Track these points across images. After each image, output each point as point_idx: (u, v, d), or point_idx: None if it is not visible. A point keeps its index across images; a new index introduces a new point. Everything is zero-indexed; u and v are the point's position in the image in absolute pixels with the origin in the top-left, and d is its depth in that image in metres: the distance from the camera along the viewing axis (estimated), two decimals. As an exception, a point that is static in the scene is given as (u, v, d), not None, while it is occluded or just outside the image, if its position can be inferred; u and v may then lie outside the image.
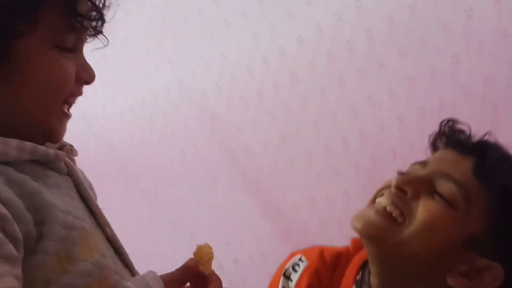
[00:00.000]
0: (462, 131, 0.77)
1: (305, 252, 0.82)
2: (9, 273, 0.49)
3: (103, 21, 0.60)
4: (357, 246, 0.81)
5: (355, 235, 0.73)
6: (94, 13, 0.59)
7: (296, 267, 0.80)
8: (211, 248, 0.62)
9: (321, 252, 0.81)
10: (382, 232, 0.70)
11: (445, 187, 0.70)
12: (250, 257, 1.62)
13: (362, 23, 1.26)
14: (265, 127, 1.50)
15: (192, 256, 0.62)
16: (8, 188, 0.53)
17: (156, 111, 1.65)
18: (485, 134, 0.76)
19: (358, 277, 0.75)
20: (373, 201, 0.74)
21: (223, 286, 0.62)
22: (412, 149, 1.25)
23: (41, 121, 0.60)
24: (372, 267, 0.74)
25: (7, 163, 0.55)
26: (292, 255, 0.84)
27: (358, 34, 1.27)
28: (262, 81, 1.47)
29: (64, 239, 0.55)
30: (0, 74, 0.55)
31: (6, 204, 0.52)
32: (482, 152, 0.72)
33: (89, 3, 0.59)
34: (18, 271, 0.51)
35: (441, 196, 0.70)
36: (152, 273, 0.60)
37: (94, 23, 0.60)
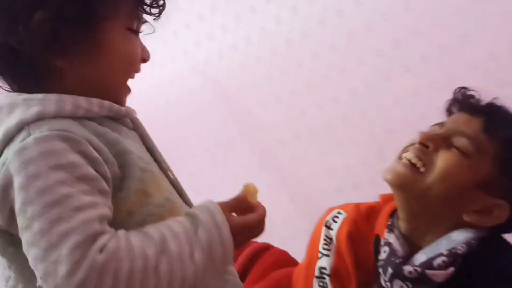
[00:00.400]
0: (472, 96, 0.92)
1: (342, 207, 0.98)
2: (104, 203, 0.61)
3: (163, 9, 0.74)
4: (385, 200, 0.96)
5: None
6: (156, 3, 0.72)
7: (336, 219, 0.95)
8: (254, 185, 0.75)
9: (357, 205, 0.96)
10: (409, 180, 0.85)
11: (460, 141, 0.85)
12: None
13: (379, 4, 1.39)
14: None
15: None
16: (97, 139, 0.65)
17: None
18: (493, 98, 0.90)
19: (389, 223, 0.91)
20: (400, 157, 0.89)
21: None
22: (424, 120, 1.39)
23: (115, 89, 0.73)
24: (400, 213, 0.89)
25: (90, 119, 0.67)
26: (330, 210, 0.99)
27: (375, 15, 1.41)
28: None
29: (140, 179, 0.67)
30: (89, 49, 0.68)
31: (97, 150, 0.63)
32: (488, 113, 0.87)
33: None
34: (109, 203, 0.63)
35: (457, 148, 0.85)
36: (210, 200, 0.70)
37: (155, 11, 0.73)
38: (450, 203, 0.84)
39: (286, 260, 1.10)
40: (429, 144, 0.86)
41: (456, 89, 0.94)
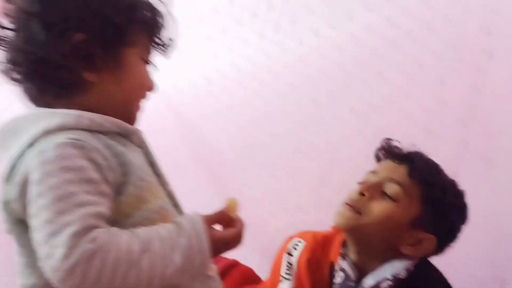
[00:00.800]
0: (396, 146, 1.13)
1: (301, 235, 1.17)
2: (103, 204, 0.72)
3: (170, 47, 0.89)
4: (337, 230, 1.15)
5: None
6: (167, 41, 0.87)
7: (296, 246, 1.14)
8: (236, 200, 0.85)
9: (314, 235, 1.15)
10: (352, 221, 1.04)
11: (391, 187, 1.05)
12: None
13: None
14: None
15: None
16: (106, 150, 0.76)
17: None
18: (413, 147, 1.12)
19: (342, 251, 1.10)
20: (344, 202, 1.07)
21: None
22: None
23: (128, 109, 0.86)
24: (350, 247, 1.09)
25: (103, 133, 0.78)
26: (291, 238, 1.18)
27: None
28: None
29: (138, 186, 0.78)
30: (114, 69, 0.81)
31: (104, 158, 0.75)
32: (411, 160, 1.08)
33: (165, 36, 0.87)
34: (109, 204, 0.74)
35: (389, 196, 1.05)
36: (196, 212, 0.79)
37: (165, 48, 0.88)
38: (388, 240, 1.04)
39: (252, 278, 1.27)
40: (366, 193, 1.06)
41: (382, 140, 1.15)
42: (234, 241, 0.82)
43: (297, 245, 1.14)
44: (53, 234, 0.68)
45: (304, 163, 1.73)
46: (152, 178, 0.83)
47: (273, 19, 1.62)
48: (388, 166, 1.10)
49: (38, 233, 0.70)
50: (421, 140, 1.39)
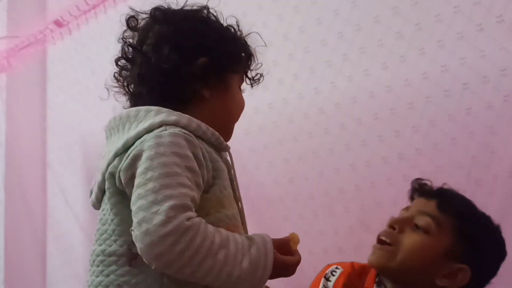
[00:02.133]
0: (425, 184, 1.17)
1: (340, 263, 1.18)
2: (196, 193, 0.82)
3: (259, 82, 1.05)
4: (374, 263, 1.17)
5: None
6: (257, 77, 1.05)
7: (334, 272, 1.16)
8: (298, 236, 0.93)
9: (352, 263, 1.17)
10: (385, 260, 1.06)
11: (422, 220, 1.07)
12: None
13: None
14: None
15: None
16: (205, 152, 0.88)
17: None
18: (443, 184, 1.16)
19: (377, 279, 1.11)
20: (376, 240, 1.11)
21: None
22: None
23: (227, 127, 1.00)
24: (386, 281, 1.10)
25: (203, 140, 0.90)
26: (329, 266, 1.19)
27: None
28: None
29: (221, 191, 0.89)
30: (223, 89, 0.97)
31: (204, 158, 0.87)
32: (440, 195, 1.12)
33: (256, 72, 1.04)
34: (198, 196, 0.84)
35: (420, 227, 1.06)
36: (266, 234, 0.88)
37: (255, 81, 1.05)
38: (422, 272, 1.05)
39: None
40: (396, 226, 1.08)
41: (412, 180, 1.20)
42: (290, 269, 0.90)
43: (335, 271, 1.16)
44: (156, 202, 0.78)
45: (347, 204, 1.75)
46: (230, 190, 0.93)
47: (326, 55, 1.70)
48: (419, 202, 1.12)
49: (141, 200, 0.79)
50: (468, 189, 1.40)
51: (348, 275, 1.13)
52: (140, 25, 0.98)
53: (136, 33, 0.98)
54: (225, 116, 0.98)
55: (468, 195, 1.23)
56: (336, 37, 1.70)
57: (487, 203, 1.38)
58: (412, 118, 1.55)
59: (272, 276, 0.86)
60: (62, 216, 2.56)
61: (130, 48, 0.97)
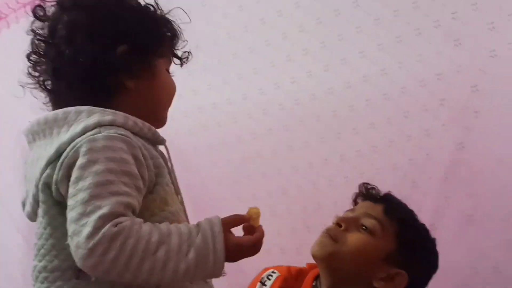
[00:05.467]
0: (373, 188, 1.19)
1: (276, 267, 1.18)
2: (135, 197, 0.78)
3: (187, 61, 0.99)
4: (311, 267, 1.18)
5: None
6: (185, 55, 0.98)
7: (270, 277, 1.15)
8: (258, 209, 0.88)
9: (288, 268, 1.17)
10: (329, 249, 1.06)
11: (368, 222, 1.09)
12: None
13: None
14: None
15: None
16: (144, 150, 0.83)
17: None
18: (387, 192, 1.19)
19: (314, 284, 1.11)
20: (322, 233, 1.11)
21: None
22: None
23: (159, 115, 0.95)
24: (323, 280, 1.10)
25: (140, 137, 0.85)
26: (266, 269, 1.19)
27: None
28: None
29: (165, 189, 0.85)
30: (148, 76, 0.90)
31: (144, 157, 0.82)
32: (387, 200, 1.14)
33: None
34: (140, 198, 0.80)
35: (365, 228, 1.08)
36: (216, 215, 0.82)
37: (183, 60, 0.99)
38: (362, 272, 1.07)
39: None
40: (342, 224, 1.09)
41: (359, 184, 1.22)
42: (250, 248, 0.84)
43: (271, 275, 1.16)
44: (84, 214, 0.74)
45: (290, 205, 1.75)
46: (172, 186, 0.90)
47: (269, 55, 1.69)
48: (365, 205, 1.14)
49: (72, 212, 0.75)
50: (404, 190, 1.43)
51: (285, 279, 1.13)
52: (49, 15, 0.89)
53: (45, 23, 0.89)
54: (155, 105, 0.93)
55: (404, 195, 1.25)
56: (280, 37, 1.69)
57: (422, 203, 1.42)
58: (353, 120, 1.57)
59: (231, 259, 0.81)
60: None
61: (41, 42, 0.88)
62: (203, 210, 1.97)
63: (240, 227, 0.87)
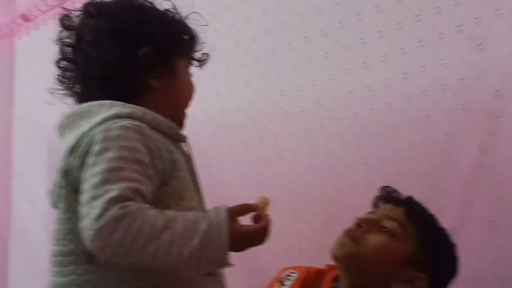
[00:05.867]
0: (394, 191, 1.19)
1: (296, 268, 1.19)
2: (145, 184, 0.81)
3: (205, 63, 1.05)
4: (330, 268, 1.19)
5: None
6: (204, 57, 1.04)
7: (289, 277, 1.16)
8: (267, 198, 0.87)
9: (308, 268, 1.18)
10: (349, 250, 1.07)
11: (389, 223, 1.09)
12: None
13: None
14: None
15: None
16: (161, 143, 0.88)
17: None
18: (409, 195, 1.18)
19: (333, 285, 1.12)
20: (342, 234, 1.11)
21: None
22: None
23: (180, 113, 0.99)
24: (341, 279, 1.11)
25: (159, 132, 0.90)
26: (285, 269, 1.20)
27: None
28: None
29: (181, 184, 0.88)
30: (171, 76, 0.96)
31: (158, 149, 0.86)
32: (408, 203, 1.14)
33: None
34: (150, 187, 0.83)
35: (386, 230, 1.08)
36: (224, 204, 0.84)
37: (202, 62, 1.04)
38: (381, 274, 1.07)
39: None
40: (363, 225, 1.09)
41: (381, 187, 1.22)
42: (256, 237, 0.84)
43: (290, 275, 1.16)
44: (95, 197, 0.78)
45: (311, 207, 1.76)
46: (190, 182, 0.93)
47: (291, 58, 1.71)
48: (386, 208, 1.14)
49: (84, 195, 0.80)
50: (426, 194, 1.42)
51: (304, 280, 1.14)
52: (75, 23, 0.95)
53: (73, 31, 0.95)
54: (177, 104, 0.98)
55: (425, 200, 1.25)
56: (303, 41, 1.71)
57: (444, 208, 1.41)
58: (374, 123, 1.57)
59: (237, 247, 0.82)
60: (25, 213, 2.51)
61: (70, 48, 0.94)
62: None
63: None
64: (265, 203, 0.87)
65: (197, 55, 1.02)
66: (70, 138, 0.88)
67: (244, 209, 0.87)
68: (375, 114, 1.57)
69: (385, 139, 1.55)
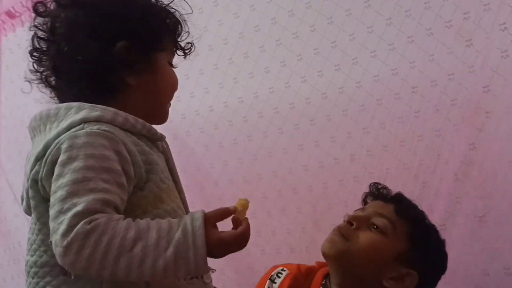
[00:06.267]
0: (384, 188, 1.18)
1: (286, 265, 1.18)
2: (116, 193, 0.77)
3: (190, 52, 0.97)
4: (320, 265, 1.19)
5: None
6: (188, 46, 0.96)
7: (279, 274, 1.15)
8: (247, 201, 0.82)
9: (298, 265, 1.17)
10: (339, 247, 1.06)
11: (379, 221, 1.09)
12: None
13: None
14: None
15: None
16: (133, 146, 0.82)
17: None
18: (398, 192, 1.18)
19: (323, 282, 1.11)
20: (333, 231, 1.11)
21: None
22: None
23: (162, 108, 0.93)
24: (332, 279, 1.11)
25: (133, 133, 0.84)
26: (275, 267, 1.19)
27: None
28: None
29: (158, 186, 0.83)
30: (150, 71, 0.88)
31: (130, 153, 0.81)
32: (398, 200, 1.13)
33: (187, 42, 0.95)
34: (123, 195, 0.78)
35: (376, 227, 1.07)
36: (201, 210, 0.79)
37: (186, 51, 0.96)
38: (371, 271, 1.07)
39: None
40: (354, 222, 1.09)
41: (370, 184, 1.22)
42: (235, 244, 0.80)
43: (281, 273, 1.16)
44: (61, 211, 0.74)
45: (300, 204, 1.75)
46: (170, 183, 0.88)
47: (280, 55, 1.70)
48: (376, 204, 1.14)
49: (51, 210, 0.76)
50: (415, 190, 1.43)
51: (294, 277, 1.13)
52: (49, 12, 0.88)
53: (46, 21, 0.88)
54: (157, 100, 0.92)
55: (415, 196, 1.26)
56: (291, 37, 1.70)
57: (433, 204, 1.42)
58: (363, 120, 1.57)
59: (216, 255, 0.78)
60: (10, 213, 2.48)
61: (42, 40, 0.88)
62: (214, 209, 1.98)
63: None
64: (244, 206, 0.82)
65: (181, 44, 0.95)
66: (39, 144, 0.83)
67: (222, 213, 0.82)
68: (364, 110, 1.57)
69: (374, 135, 1.55)
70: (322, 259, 1.11)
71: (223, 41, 1.83)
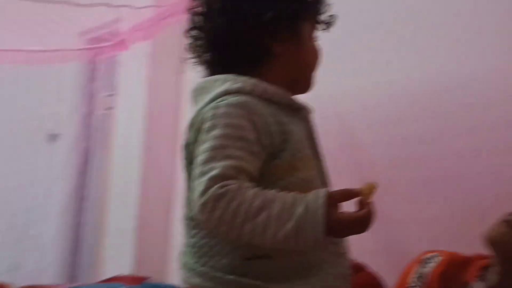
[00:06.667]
0: None
1: (440, 251, 1.12)
2: (249, 161, 0.85)
3: (331, 25, 1.01)
4: (479, 257, 1.09)
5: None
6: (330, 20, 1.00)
7: (432, 259, 1.10)
8: (373, 184, 0.83)
9: (453, 253, 1.11)
10: (505, 237, 0.97)
11: None
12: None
13: None
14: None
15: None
16: (270, 117, 0.89)
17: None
18: None
19: (482, 274, 1.03)
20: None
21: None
22: None
23: (306, 78, 0.98)
24: (492, 267, 1.01)
25: (273, 103, 0.91)
26: (427, 252, 1.13)
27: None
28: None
29: (293, 155, 0.89)
30: (295, 40, 0.95)
31: (265, 124, 0.87)
32: None
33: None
34: (256, 163, 0.86)
35: None
36: (327, 188, 0.85)
37: (328, 25, 1.01)
38: None
39: (375, 285, 1.24)
40: None
41: None
42: (355, 226, 0.83)
43: (433, 258, 1.10)
44: (201, 174, 0.84)
45: (465, 192, 1.62)
46: (308, 152, 0.92)
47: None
48: None
49: (194, 170, 0.86)
50: None
51: (448, 264, 1.07)
52: None
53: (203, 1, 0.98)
54: (301, 69, 0.97)
55: None
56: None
57: None
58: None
59: (335, 235, 0.82)
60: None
61: (199, 17, 0.97)
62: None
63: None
64: (370, 189, 0.82)
65: (323, 17, 1.00)
66: (192, 114, 0.94)
67: (346, 194, 0.84)
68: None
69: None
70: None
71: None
